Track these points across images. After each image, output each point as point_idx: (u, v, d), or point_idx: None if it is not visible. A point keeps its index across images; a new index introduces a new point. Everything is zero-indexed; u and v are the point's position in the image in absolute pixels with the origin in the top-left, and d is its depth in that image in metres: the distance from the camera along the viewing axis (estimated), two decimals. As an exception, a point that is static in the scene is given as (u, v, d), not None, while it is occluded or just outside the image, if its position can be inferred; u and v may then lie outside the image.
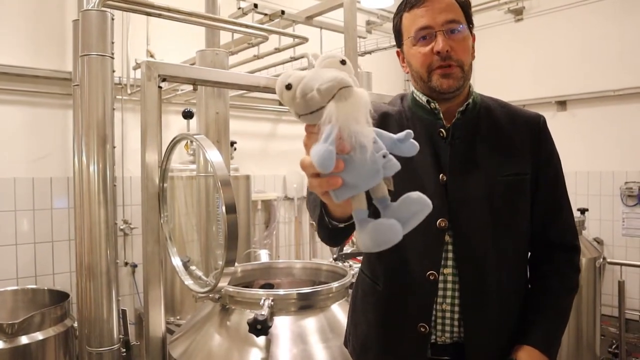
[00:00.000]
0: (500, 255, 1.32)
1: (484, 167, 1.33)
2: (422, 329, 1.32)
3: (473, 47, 1.38)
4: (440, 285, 1.31)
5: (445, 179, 1.32)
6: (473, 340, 1.31)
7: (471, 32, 1.38)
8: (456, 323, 1.32)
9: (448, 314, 1.32)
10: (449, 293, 1.32)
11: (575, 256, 1.45)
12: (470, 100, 1.39)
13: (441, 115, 1.37)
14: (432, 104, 1.37)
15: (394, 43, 1.51)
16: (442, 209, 1.30)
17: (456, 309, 1.31)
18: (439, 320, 1.33)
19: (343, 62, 0.86)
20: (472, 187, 1.31)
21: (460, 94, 1.38)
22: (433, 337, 1.34)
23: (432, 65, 1.31)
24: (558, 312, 1.39)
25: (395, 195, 0.96)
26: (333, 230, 1.16)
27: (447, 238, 1.31)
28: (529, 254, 1.46)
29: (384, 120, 1.40)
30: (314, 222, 1.29)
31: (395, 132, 0.92)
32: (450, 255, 1.31)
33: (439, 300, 1.32)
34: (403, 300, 1.35)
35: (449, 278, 1.31)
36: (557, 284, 1.41)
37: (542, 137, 1.42)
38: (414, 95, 1.42)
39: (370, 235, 0.84)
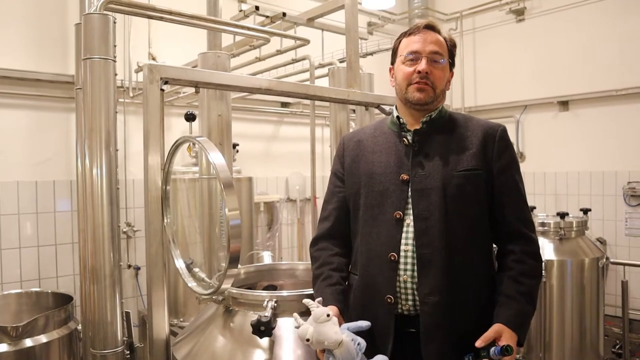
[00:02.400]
0: (451, 234, 1.58)
1: (442, 163, 1.63)
2: (388, 299, 1.61)
3: (449, 81, 1.73)
4: (402, 260, 1.61)
5: (406, 177, 1.64)
6: (424, 307, 1.57)
7: (451, 69, 1.73)
8: (416, 292, 1.59)
9: (409, 284, 1.60)
10: (408, 267, 1.60)
11: (532, 246, 1.67)
12: (434, 113, 1.70)
13: (407, 127, 1.71)
14: (401, 119, 1.72)
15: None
16: (398, 203, 1.63)
17: (415, 279, 1.59)
18: (402, 290, 1.61)
19: (328, 316, 1.51)
20: (430, 180, 1.61)
21: (429, 111, 1.69)
22: (400, 306, 1.62)
23: (412, 80, 1.65)
24: (523, 296, 1.59)
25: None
26: None
27: (407, 222, 1.62)
28: (496, 249, 1.73)
29: (359, 145, 1.80)
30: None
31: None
32: (410, 235, 1.61)
33: (400, 272, 1.61)
34: (373, 278, 1.66)
35: (409, 254, 1.61)
36: (518, 272, 1.62)
37: (500, 143, 1.66)
38: (392, 114, 1.78)
39: None
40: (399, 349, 1.62)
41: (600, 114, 4.92)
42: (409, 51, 1.66)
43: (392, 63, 1.77)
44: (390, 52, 1.82)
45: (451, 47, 1.71)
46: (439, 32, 1.70)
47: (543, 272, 3.49)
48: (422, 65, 1.63)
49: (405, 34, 1.72)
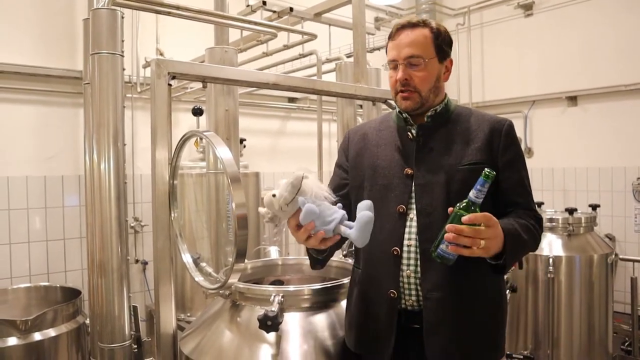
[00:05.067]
0: None
1: (446, 158, 1.60)
2: (391, 294, 1.60)
3: (448, 70, 1.68)
4: (405, 255, 1.60)
5: (410, 171, 1.63)
6: (428, 303, 1.56)
7: (445, 58, 1.65)
8: (419, 287, 1.58)
9: (412, 279, 1.59)
10: (411, 262, 1.60)
11: (538, 221, 1.62)
12: (439, 107, 1.67)
13: (412, 121, 1.69)
14: (404, 114, 1.70)
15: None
16: (402, 197, 1.62)
17: (418, 275, 1.58)
18: (405, 285, 1.60)
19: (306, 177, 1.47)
20: (433, 174, 1.59)
21: (430, 109, 1.66)
22: (403, 301, 1.61)
23: (397, 89, 1.64)
24: (523, 227, 1.53)
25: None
26: (315, 259, 1.68)
27: (411, 216, 1.61)
28: None
29: (363, 139, 1.79)
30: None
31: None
32: (413, 230, 1.60)
33: (404, 267, 1.60)
34: (376, 273, 1.66)
35: (412, 249, 1.60)
36: (518, 215, 1.58)
37: (506, 138, 1.63)
38: (397, 108, 1.75)
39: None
40: (402, 344, 1.61)
41: (610, 109, 4.87)
42: (389, 59, 1.65)
43: None
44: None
45: (436, 39, 1.60)
46: (420, 24, 1.60)
47: (551, 269, 3.51)
48: (399, 73, 1.60)
49: (389, 37, 1.68)
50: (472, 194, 1.39)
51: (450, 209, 1.41)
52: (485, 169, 1.39)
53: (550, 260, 3.56)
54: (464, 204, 1.39)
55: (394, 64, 1.63)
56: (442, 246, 1.39)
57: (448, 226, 1.36)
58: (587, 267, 3.62)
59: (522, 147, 5.37)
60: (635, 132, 4.69)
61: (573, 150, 5.11)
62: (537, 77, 5.38)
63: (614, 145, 4.83)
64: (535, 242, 1.60)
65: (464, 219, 1.36)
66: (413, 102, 1.62)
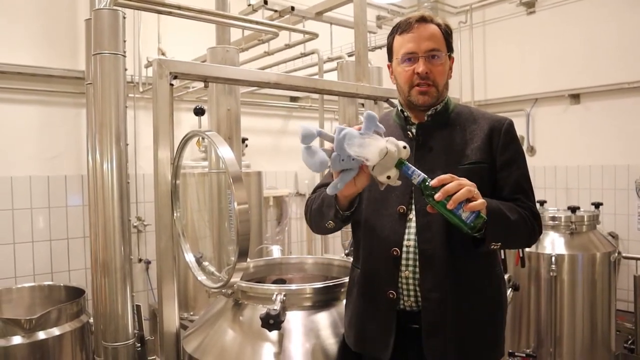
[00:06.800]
0: (453, 229, 1.46)
1: (446, 157, 1.60)
2: (390, 295, 1.59)
3: (451, 68, 1.68)
4: (404, 255, 1.59)
5: None
6: (426, 303, 1.55)
7: (450, 56, 1.66)
8: (418, 288, 1.57)
9: (411, 280, 1.58)
10: (410, 262, 1.58)
11: (534, 215, 1.59)
12: (440, 106, 1.66)
13: (412, 120, 1.68)
14: (405, 112, 1.69)
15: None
16: (402, 198, 1.61)
17: (417, 275, 1.57)
18: (404, 286, 1.60)
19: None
20: (433, 174, 1.49)
21: (434, 106, 1.66)
22: (401, 302, 1.60)
23: (413, 82, 1.61)
24: (508, 207, 1.51)
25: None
26: (341, 219, 1.62)
27: (410, 216, 1.60)
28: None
29: None
30: (321, 224, 1.68)
31: None
32: (413, 230, 1.59)
33: (403, 268, 1.59)
34: (375, 273, 1.65)
35: (411, 249, 1.58)
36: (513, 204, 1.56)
37: (505, 136, 1.63)
38: (397, 107, 1.75)
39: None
40: (401, 343, 1.60)
41: (612, 107, 4.86)
42: (405, 52, 1.60)
43: (390, 60, 1.72)
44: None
45: (446, 35, 1.63)
46: (431, 21, 1.62)
47: (554, 267, 3.50)
48: (420, 67, 1.58)
49: (398, 31, 1.64)
50: (414, 181, 1.40)
51: (428, 208, 1.40)
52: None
53: (553, 258, 3.56)
54: (424, 188, 1.39)
55: (410, 56, 1.60)
56: (463, 216, 1.35)
57: (439, 194, 1.34)
58: (590, 265, 3.62)
59: (525, 145, 5.36)
60: (638, 130, 4.68)
61: (576, 148, 5.10)
62: (540, 75, 5.37)
63: (617, 143, 4.82)
64: (527, 228, 1.56)
65: (432, 183, 1.38)
66: (430, 96, 1.61)
